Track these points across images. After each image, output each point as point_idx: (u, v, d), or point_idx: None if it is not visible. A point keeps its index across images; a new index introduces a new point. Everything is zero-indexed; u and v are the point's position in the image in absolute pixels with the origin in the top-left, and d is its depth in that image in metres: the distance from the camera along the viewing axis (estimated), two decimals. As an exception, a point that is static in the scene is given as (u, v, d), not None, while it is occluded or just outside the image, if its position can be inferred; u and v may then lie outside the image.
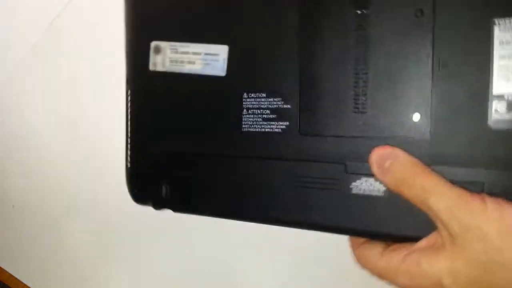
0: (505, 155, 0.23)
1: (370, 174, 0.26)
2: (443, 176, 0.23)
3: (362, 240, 0.28)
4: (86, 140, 0.51)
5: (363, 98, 0.26)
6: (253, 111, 0.30)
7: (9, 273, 0.53)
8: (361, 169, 0.26)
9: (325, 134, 0.28)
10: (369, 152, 0.26)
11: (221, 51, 0.31)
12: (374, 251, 0.26)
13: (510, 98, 0.23)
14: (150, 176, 0.34)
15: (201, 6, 0.32)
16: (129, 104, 0.35)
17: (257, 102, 0.29)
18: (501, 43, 0.23)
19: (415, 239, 0.25)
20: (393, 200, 0.25)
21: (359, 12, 0.26)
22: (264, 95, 0.29)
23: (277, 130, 0.29)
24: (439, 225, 0.23)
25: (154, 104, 0.34)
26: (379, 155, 0.25)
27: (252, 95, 0.30)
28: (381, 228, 0.26)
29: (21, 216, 0.55)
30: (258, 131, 0.29)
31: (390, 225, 0.26)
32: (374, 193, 0.26)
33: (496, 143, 0.23)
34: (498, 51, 0.23)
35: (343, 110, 0.27)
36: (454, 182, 0.23)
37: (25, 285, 0.52)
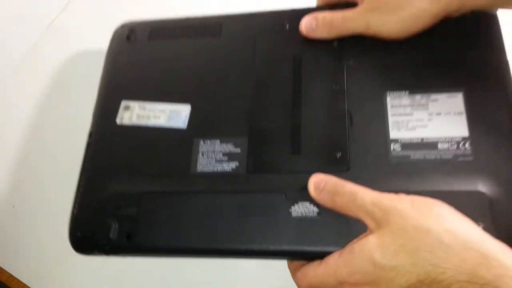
0: (401, 181, 0.32)
1: (306, 199, 0.32)
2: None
3: (300, 264, 0.32)
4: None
5: (298, 143, 0.34)
6: (208, 154, 0.36)
7: (9, 273, 0.51)
8: (298, 196, 0.32)
9: (268, 171, 0.34)
10: (305, 182, 0.32)
11: (184, 109, 0.38)
12: (312, 265, 0.31)
13: (402, 141, 0.33)
14: (101, 218, 0.35)
15: (169, 74, 0.40)
16: (88, 154, 0.38)
17: (212, 147, 0.36)
18: (392, 106, 0.34)
19: None
20: (326, 219, 0.31)
21: (294, 87, 0.36)
22: (218, 141, 0.36)
23: (228, 169, 0.35)
24: (365, 218, 0.28)
25: (115, 151, 0.38)
26: (315, 181, 0.32)
27: (208, 142, 0.36)
28: (318, 246, 0.31)
29: (21, 216, 0.54)
30: (211, 171, 0.35)
31: (325, 242, 0.31)
32: (310, 214, 0.32)
33: (395, 172, 0.32)
34: (390, 111, 0.34)
35: (283, 152, 0.34)
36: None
37: (25, 285, 0.51)
